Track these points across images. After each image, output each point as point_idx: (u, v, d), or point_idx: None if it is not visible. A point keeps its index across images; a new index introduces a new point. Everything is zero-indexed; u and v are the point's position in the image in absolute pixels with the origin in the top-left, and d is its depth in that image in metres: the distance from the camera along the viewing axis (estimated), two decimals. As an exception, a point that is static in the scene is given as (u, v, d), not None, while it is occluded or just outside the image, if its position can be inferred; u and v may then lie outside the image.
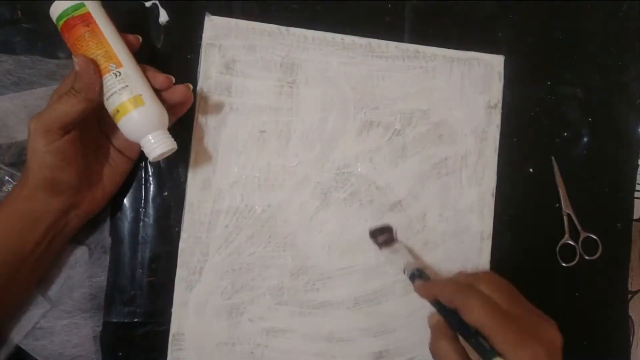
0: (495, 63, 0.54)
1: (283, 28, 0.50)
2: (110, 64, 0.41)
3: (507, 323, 0.35)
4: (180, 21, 0.50)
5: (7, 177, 0.47)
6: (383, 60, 0.52)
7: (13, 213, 0.42)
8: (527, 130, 0.54)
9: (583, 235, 0.54)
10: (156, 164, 0.49)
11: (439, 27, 0.53)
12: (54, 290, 0.47)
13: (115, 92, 0.40)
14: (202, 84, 0.49)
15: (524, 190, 0.54)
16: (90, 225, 0.48)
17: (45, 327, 0.47)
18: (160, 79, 0.43)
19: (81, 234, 0.47)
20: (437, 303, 0.41)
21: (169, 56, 0.50)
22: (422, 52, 0.52)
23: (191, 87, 0.45)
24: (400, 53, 0.52)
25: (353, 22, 0.52)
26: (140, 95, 0.41)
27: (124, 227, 0.49)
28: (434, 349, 0.39)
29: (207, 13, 0.49)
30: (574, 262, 0.54)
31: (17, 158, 0.47)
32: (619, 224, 0.56)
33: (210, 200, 0.49)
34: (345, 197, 0.51)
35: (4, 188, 0.47)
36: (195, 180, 0.49)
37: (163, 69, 0.49)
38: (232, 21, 0.50)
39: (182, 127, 0.49)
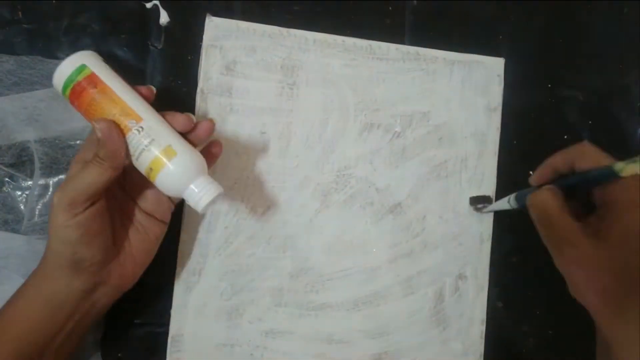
0: (495, 66, 0.54)
1: (284, 29, 0.50)
2: (130, 121, 0.38)
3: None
4: (181, 22, 0.50)
5: (6, 178, 0.46)
6: (384, 62, 0.52)
7: (32, 298, 0.38)
8: (527, 132, 0.54)
9: (583, 237, 0.54)
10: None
11: (439, 29, 0.53)
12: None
13: (144, 149, 0.37)
14: (202, 85, 0.49)
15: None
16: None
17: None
18: (181, 120, 0.40)
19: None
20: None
21: (170, 57, 0.50)
22: (422, 54, 0.52)
23: (214, 121, 0.42)
24: (401, 55, 0.52)
25: (353, 24, 0.52)
26: (170, 145, 0.38)
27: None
28: (538, 204, 0.37)
29: (207, 14, 0.49)
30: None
31: (17, 159, 0.47)
32: (618, 227, 0.56)
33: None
34: (345, 198, 0.51)
35: (4, 188, 0.47)
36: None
37: (164, 70, 0.49)
38: (233, 22, 0.50)
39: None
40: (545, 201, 0.36)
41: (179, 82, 0.50)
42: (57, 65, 0.39)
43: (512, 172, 0.54)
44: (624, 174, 0.34)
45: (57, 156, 0.47)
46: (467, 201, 0.53)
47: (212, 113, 0.49)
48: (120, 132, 0.37)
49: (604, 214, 0.36)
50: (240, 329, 0.49)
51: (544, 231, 0.36)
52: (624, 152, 0.55)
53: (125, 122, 0.38)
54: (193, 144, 0.40)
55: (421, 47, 0.52)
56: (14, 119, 0.46)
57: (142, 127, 0.38)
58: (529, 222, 0.54)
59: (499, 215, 0.53)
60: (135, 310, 0.48)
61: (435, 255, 0.52)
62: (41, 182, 0.47)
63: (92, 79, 0.38)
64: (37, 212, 0.46)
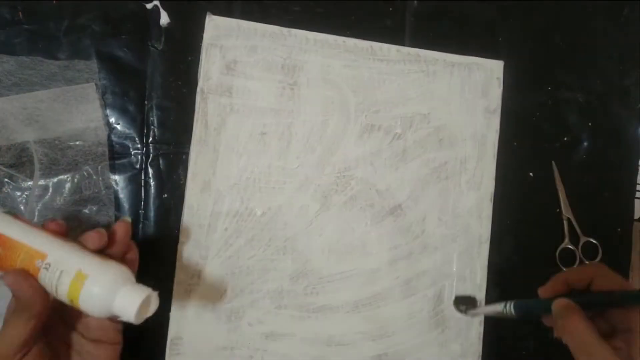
0: (494, 68, 0.54)
1: (285, 29, 0.50)
2: (37, 261, 0.37)
3: None
4: (181, 23, 0.50)
5: (6, 179, 0.46)
6: (384, 63, 0.52)
7: None
8: (527, 134, 0.55)
9: (583, 239, 0.54)
10: (155, 166, 0.49)
11: (440, 31, 0.54)
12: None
13: (57, 284, 0.36)
14: (202, 84, 0.49)
15: (524, 195, 0.54)
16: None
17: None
18: (91, 238, 0.39)
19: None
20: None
21: (170, 58, 0.49)
22: (422, 56, 0.52)
23: (128, 220, 0.42)
24: (401, 57, 0.52)
25: (354, 25, 0.52)
26: (80, 269, 0.36)
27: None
28: (568, 329, 0.38)
29: (208, 13, 0.49)
30: (574, 267, 0.54)
31: (17, 159, 0.46)
32: (619, 229, 0.56)
33: (210, 202, 0.49)
34: (346, 200, 0.51)
35: (4, 189, 0.46)
36: (194, 182, 0.49)
37: (164, 71, 0.49)
38: (234, 21, 0.50)
39: (183, 128, 0.49)
40: (582, 329, 0.37)
41: (179, 82, 0.49)
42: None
43: (511, 174, 0.54)
44: None
45: (57, 157, 0.47)
46: (467, 203, 0.52)
47: (212, 113, 0.49)
48: (29, 277, 0.36)
49: (630, 338, 0.38)
50: (240, 332, 0.49)
51: (579, 352, 0.38)
52: (624, 153, 0.56)
53: (32, 263, 0.37)
54: (114, 255, 0.40)
55: (421, 48, 0.53)
56: (13, 119, 0.46)
57: (49, 264, 0.37)
58: (529, 226, 0.54)
59: (498, 216, 0.53)
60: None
61: (435, 257, 0.52)
62: (41, 183, 0.46)
63: None
64: (36, 213, 0.46)
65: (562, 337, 0.39)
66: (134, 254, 0.43)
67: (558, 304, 0.40)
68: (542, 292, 0.43)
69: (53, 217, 0.41)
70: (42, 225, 0.40)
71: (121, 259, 0.40)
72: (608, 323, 0.41)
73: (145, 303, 0.37)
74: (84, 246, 0.39)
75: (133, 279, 0.38)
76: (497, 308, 0.46)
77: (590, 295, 0.41)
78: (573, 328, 0.38)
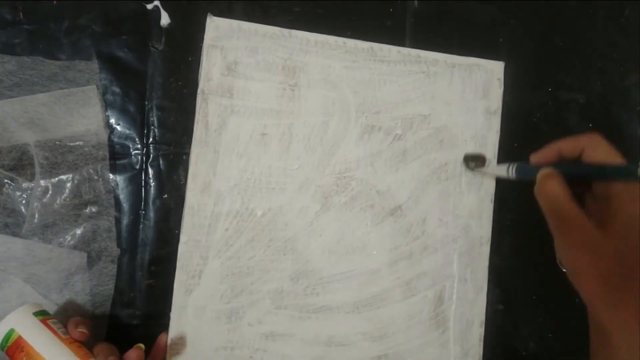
0: (495, 69, 0.54)
1: (285, 30, 0.50)
2: None
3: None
4: (181, 23, 0.50)
5: (7, 181, 0.46)
6: (385, 64, 0.52)
7: None
8: (528, 135, 0.55)
9: (583, 240, 0.54)
10: (155, 166, 0.49)
11: (440, 32, 0.53)
12: (53, 296, 0.47)
13: None
14: (203, 85, 0.49)
15: (524, 196, 0.54)
16: (97, 234, 0.47)
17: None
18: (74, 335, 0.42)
19: (87, 241, 0.47)
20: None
21: (171, 59, 0.50)
22: (423, 57, 0.52)
23: (142, 346, 0.45)
24: (402, 58, 0.52)
25: (355, 25, 0.52)
26: None
27: (124, 229, 0.49)
28: (544, 191, 0.37)
29: (209, 14, 0.49)
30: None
31: (18, 162, 0.47)
32: (618, 230, 0.56)
33: (211, 203, 0.49)
34: (346, 201, 0.51)
35: (4, 190, 0.46)
36: (195, 183, 0.49)
37: (165, 71, 0.49)
38: (235, 23, 0.50)
39: (183, 128, 0.49)
40: (556, 192, 0.36)
41: (180, 83, 0.49)
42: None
43: (512, 175, 0.54)
44: (629, 178, 0.35)
45: (57, 160, 0.47)
46: (467, 203, 0.52)
47: (213, 114, 0.49)
48: None
49: (606, 205, 0.37)
50: (240, 332, 0.49)
51: (552, 218, 0.37)
52: (624, 155, 0.56)
53: None
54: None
55: (422, 49, 0.53)
56: (14, 122, 0.46)
57: None
58: (529, 226, 0.54)
59: (498, 218, 0.53)
60: (134, 311, 0.48)
61: (435, 258, 0.52)
62: (41, 185, 0.46)
63: (19, 344, 0.41)
64: (37, 216, 0.46)
65: (538, 200, 0.38)
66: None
67: (542, 172, 0.39)
68: (534, 158, 0.42)
69: (79, 322, 0.43)
70: (68, 329, 0.42)
71: None
72: (593, 194, 0.40)
73: None
74: None
75: None
76: (502, 169, 0.46)
77: (576, 165, 0.39)
78: (547, 189, 0.37)
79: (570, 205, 0.36)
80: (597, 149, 0.38)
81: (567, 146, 0.40)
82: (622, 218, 0.35)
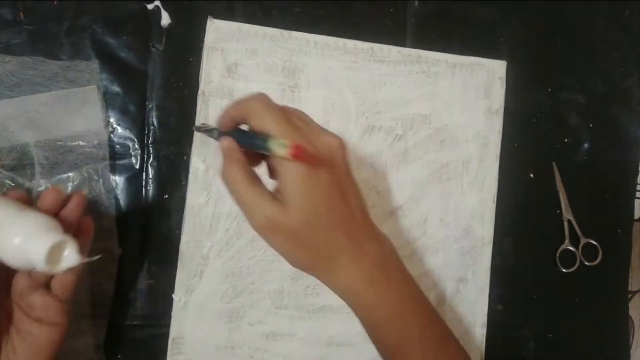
0: (497, 68, 0.54)
1: (285, 32, 0.50)
2: None
3: (290, 125, 0.34)
4: (182, 24, 0.50)
5: (7, 181, 0.46)
6: (385, 65, 0.52)
7: None
8: (528, 135, 0.54)
9: (583, 241, 0.54)
10: (156, 166, 0.49)
11: (441, 32, 0.53)
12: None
13: None
14: (204, 87, 0.49)
15: (524, 196, 0.54)
16: (97, 233, 0.48)
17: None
18: (44, 196, 0.39)
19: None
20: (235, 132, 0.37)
21: (171, 59, 0.50)
22: (424, 57, 0.52)
23: (84, 193, 0.42)
24: (402, 58, 0.52)
25: (355, 26, 0.52)
26: (4, 222, 0.36)
27: (124, 230, 0.49)
28: (224, 175, 0.35)
29: (209, 16, 0.49)
30: (574, 268, 0.54)
31: (18, 162, 0.47)
32: (619, 230, 0.56)
33: (211, 203, 0.49)
34: (346, 201, 0.51)
35: (4, 190, 0.46)
36: (196, 184, 0.49)
37: (165, 71, 0.49)
38: (235, 25, 0.50)
39: (183, 129, 0.49)
40: (233, 178, 0.35)
41: (180, 83, 0.50)
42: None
43: (511, 176, 0.54)
44: (274, 153, 0.33)
45: (58, 160, 0.47)
46: (469, 204, 0.52)
47: (213, 115, 0.49)
48: None
49: (279, 179, 0.35)
50: (241, 331, 0.49)
51: (234, 199, 0.35)
52: (624, 156, 0.56)
53: None
54: (66, 221, 0.39)
55: (422, 49, 0.52)
56: (15, 122, 0.46)
57: None
58: (530, 227, 0.54)
59: (499, 219, 0.53)
60: (135, 312, 0.48)
61: (436, 259, 0.52)
62: (41, 185, 0.47)
63: None
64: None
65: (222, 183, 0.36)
66: (88, 223, 0.41)
67: (222, 145, 0.36)
68: (218, 125, 0.38)
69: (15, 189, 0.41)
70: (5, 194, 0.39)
71: (74, 228, 0.39)
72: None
73: (57, 250, 0.36)
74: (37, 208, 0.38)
75: (58, 229, 0.37)
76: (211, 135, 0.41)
77: (242, 135, 0.36)
78: (226, 176, 0.35)
79: (246, 189, 0.34)
80: (254, 116, 0.34)
81: (235, 113, 0.36)
82: (291, 195, 0.33)
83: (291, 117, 0.35)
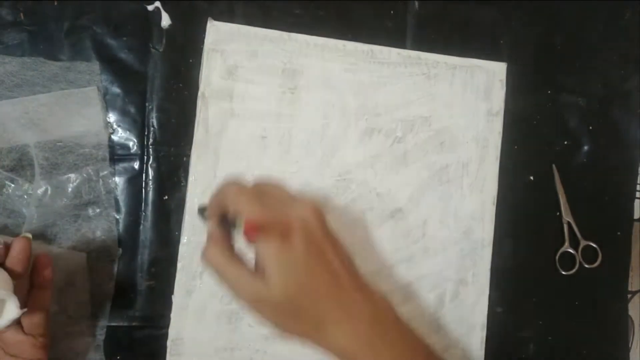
0: (497, 70, 0.54)
1: (285, 34, 0.50)
2: None
3: (257, 203, 0.35)
4: (182, 25, 0.50)
5: (7, 182, 0.46)
6: (385, 66, 0.52)
7: None
8: (528, 138, 0.54)
9: (583, 243, 0.54)
10: (156, 168, 0.49)
11: (441, 34, 0.53)
12: (54, 295, 0.47)
13: None
14: (203, 89, 0.49)
15: (524, 198, 0.54)
16: (97, 234, 0.48)
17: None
18: None
19: (88, 242, 0.48)
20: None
21: (171, 60, 0.50)
22: (424, 58, 0.52)
23: (29, 236, 0.42)
24: (402, 60, 0.52)
25: (355, 27, 0.52)
26: None
27: (124, 230, 0.49)
28: (206, 256, 0.36)
29: (209, 18, 0.49)
30: (574, 270, 0.54)
31: (18, 162, 0.47)
32: (618, 232, 0.56)
33: (211, 205, 0.49)
34: (346, 203, 0.51)
35: (4, 191, 0.47)
36: (195, 185, 0.49)
37: (165, 72, 0.49)
38: (235, 27, 0.50)
39: (183, 130, 0.49)
40: (214, 261, 0.36)
41: (180, 84, 0.50)
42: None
43: (511, 178, 0.54)
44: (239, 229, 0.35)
45: (58, 161, 0.47)
46: (469, 206, 0.52)
47: (213, 117, 0.49)
48: None
49: (257, 257, 0.36)
50: (241, 333, 0.49)
51: (218, 279, 0.37)
52: (624, 158, 0.56)
53: None
54: (12, 268, 0.39)
55: (422, 51, 0.52)
56: (15, 122, 0.46)
57: None
58: (529, 229, 0.54)
59: (499, 221, 0.53)
60: (134, 312, 0.48)
61: (436, 261, 0.52)
62: (41, 186, 0.47)
63: None
64: (36, 216, 0.46)
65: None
66: (45, 260, 0.42)
67: (208, 233, 0.38)
68: (208, 216, 0.40)
69: None
70: None
71: (24, 272, 0.40)
72: None
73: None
74: None
75: (9, 286, 0.38)
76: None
77: (224, 218, 0.37)
78: (207, 259, 0.36)
79: (228, 269, 0.35)
80: (230, 203, 0.36)
81: (217, 204, 0.38)
82: (268, 271, 0.34)
83: (263, 195, 0.36)
